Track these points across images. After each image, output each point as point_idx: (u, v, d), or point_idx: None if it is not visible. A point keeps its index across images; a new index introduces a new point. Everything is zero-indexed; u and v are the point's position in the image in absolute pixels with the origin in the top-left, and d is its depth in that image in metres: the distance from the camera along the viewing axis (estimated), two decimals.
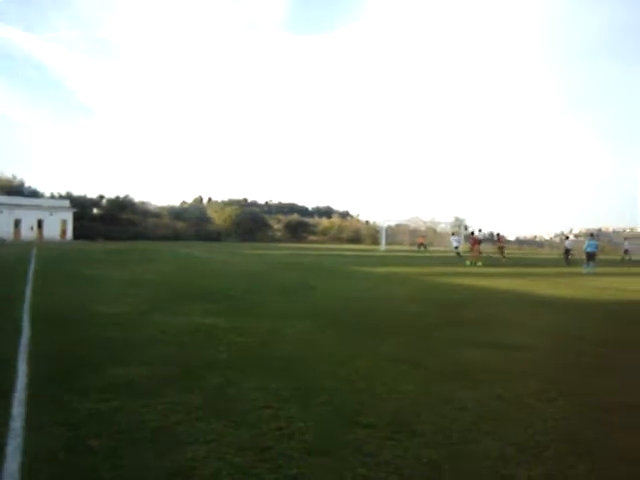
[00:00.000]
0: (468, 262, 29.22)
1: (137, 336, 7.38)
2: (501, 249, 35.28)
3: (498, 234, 41.33)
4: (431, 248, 60.24)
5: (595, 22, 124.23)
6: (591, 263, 25.15)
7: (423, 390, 5.18)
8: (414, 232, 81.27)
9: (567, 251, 33.83)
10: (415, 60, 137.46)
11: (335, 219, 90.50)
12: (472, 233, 35.76)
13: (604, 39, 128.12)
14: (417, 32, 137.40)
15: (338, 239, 78.50)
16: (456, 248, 36.42)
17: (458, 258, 32.52)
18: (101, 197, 72.68)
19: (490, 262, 30.44)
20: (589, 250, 25.87)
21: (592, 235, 31.21)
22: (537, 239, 77.74)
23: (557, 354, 7.07)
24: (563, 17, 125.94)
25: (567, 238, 37.87)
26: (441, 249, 56.57)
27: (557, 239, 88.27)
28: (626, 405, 4.82)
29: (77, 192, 69.99)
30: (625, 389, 5.38)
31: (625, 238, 54.36)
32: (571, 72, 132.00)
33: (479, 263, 28.55)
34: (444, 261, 32.11)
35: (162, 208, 77.19)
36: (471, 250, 31.09)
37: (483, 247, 33.20)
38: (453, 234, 43.44)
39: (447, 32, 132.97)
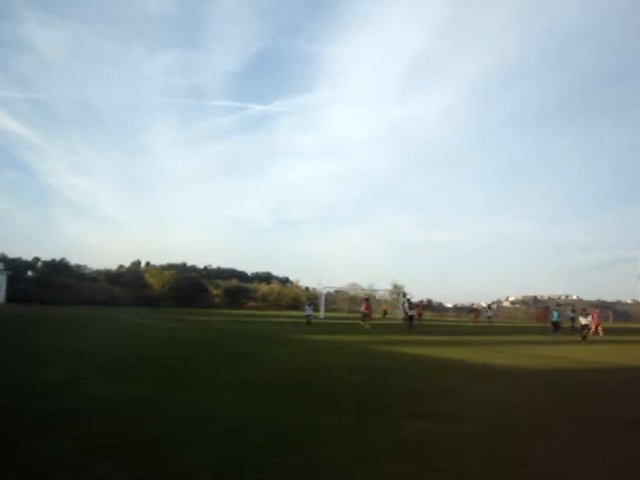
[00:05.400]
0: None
1: (70, 406, 7.50)
2: (420, 315, 36.98)
3: (421, 301, 43.84)
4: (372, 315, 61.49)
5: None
6: (555, 332, 27.42)
7: (363, 465, 5.28)
8: (353, 299, 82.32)
9: (411, 317, 35.34)
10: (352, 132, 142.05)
11: (274, 285, 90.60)
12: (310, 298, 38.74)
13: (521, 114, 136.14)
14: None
15: (277, 305, 78.54)
16: (308, 316, 36.47)
17: (308, 326, 33.32)
18: (37, 259, 71.02)
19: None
20: (554, 319, 28.55)
21: (558, 305, 33.65)
22: (474, 306, 79.86)
23: (495, 425, 7.46)
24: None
25: (409, 303, 38.77)
26: (378, 316, 57.73)
27: (494, 306, 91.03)
28: (561, 475, 5.29)
29: (12, 254, 68.29)
30: (558, 459, 5.74)
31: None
32: (502, 142, 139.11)
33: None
34: (386, 329, 32.95)
35: (98, 272, 75.69)
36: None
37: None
38: (309, 299, 44.69)
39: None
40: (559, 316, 30.29)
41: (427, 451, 5.90)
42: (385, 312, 55.58)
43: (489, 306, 61.75)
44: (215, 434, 6.35)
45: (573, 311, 40.10)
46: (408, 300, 42.33)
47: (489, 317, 52.50)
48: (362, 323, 35.34)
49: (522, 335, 31.79)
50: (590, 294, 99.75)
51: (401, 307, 41.02)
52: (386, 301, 61.94)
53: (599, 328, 35.23)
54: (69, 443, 5.65)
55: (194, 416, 7.28)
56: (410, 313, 35.94)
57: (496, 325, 46.52)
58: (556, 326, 28.94)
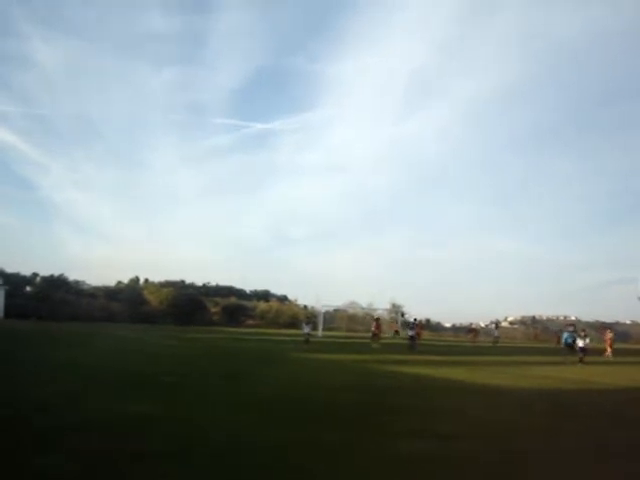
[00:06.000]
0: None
1: (70, 422, 7.58)
2: (418, 335, 36.94)
3: (415, 320, 43.77)
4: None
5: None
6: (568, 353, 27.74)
7: None
8: (352, 318, 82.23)
9: (411, 337, 35.30)
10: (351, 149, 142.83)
11: (273, 303, 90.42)
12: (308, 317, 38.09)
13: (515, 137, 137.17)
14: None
15: (276, 323, 78.34)
16: (306, 334, 35.87)
17: (306, 344, 32.79)
18: (35, 275, 70.98)
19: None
20: (565, 341, 28.72)
21: (571, 325, 33.67)
22: (473, 326, 79.75)
23: (493, 444, 7.49)
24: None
25: (415, 322, 38.99)
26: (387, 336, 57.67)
27: (492, 326, 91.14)
28: None
29: (10, 269, 68.24)
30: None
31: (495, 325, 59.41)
32: (500, 161, 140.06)
33: None
34: (386, 348, 32.82)
35: (97, 288, 75.59)
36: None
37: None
38: (307, 317, 44.84)
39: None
40: (570, 337, 30.06)
41: (426, 469, 5.95)
42: (396, 332, 55.31)
43: (496, 326, 61.57)
44: (214, 450, 6.38)
45: (575, 332, 39.99)
46: (415, 319, 42.76)
47: (496, 337, 52.33)
48: (371, 342, 35.48)
49: (521, 355, 31.76)
50: (588, 314, 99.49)
51: (405, 326, 41.27)
52: (397, 321, 61.59)
53: (609, 349, 35.33)
54: (69, 458, 5.70)
55: (193, 433, 7.32)
56: (410, 333, 35.98)
57: (497, 345, 46.54)
58: (568, 347, 28.70)
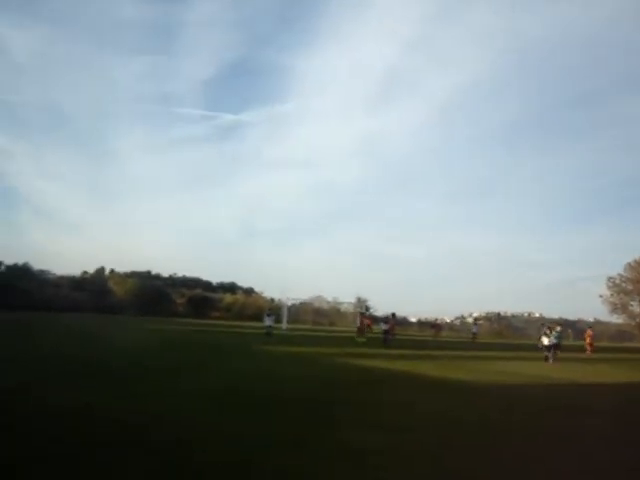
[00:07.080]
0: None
1: (21, 411, 7.96)
2: (392, 329, 37.59)
3: (393, 315, 44.24)
4: (335, 328, 62.33)
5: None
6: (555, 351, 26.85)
7: (309, 474, 5.72)
8: (317, 311, 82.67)
9: (385, 332, 35.76)
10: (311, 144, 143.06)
11: (239, 295, 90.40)
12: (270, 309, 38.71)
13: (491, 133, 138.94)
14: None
15: (241, 316, 78.38)
16: (268, 327, 35.45)
17: (268, 337, 32.78)
18: None
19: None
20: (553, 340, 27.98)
21: (559, 324, 33.53)
22: (438, 322, 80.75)
23: (439, 436, 7.86)
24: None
25: (391, 317, 39.92)
26: (345, 329, 58.03)
27: (457, 322, 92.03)
28: None
29: None
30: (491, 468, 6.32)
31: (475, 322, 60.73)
32: (468, 158, 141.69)
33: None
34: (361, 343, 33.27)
35: (62, 278, 74.72)
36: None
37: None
38: (269, 310, 44.85)
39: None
40: (559, 337, 28.76)
41: (370, 460, 6.30)
42: (369, 326, 55.23)
43: (475, 322, 62.52)
44: (166, 443, 6.67)
45: (549, 329, 39.98)
46: (392, 314, 43.30)
47: (474, 334, 52.97)
48: (356, 337, 36.39)
49: (486, 351, 32.39)
50: (552, 311, 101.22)
51: (380, 321, 41.93)
52: (370, 315, 61.71)
53: (591, 347, 35.84)
54: (19, 447, 6.07)
55: (146, 424, 7.64)
56: (384, 327, 36.47)
57: (464, 341, 47.10)
58: (556, 345, 27.38)
